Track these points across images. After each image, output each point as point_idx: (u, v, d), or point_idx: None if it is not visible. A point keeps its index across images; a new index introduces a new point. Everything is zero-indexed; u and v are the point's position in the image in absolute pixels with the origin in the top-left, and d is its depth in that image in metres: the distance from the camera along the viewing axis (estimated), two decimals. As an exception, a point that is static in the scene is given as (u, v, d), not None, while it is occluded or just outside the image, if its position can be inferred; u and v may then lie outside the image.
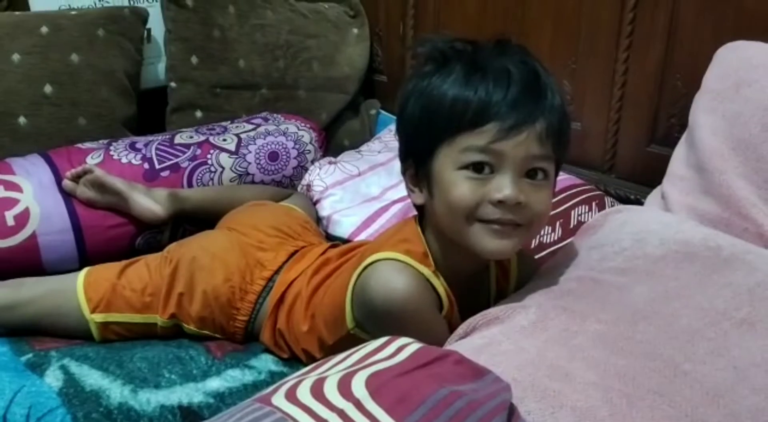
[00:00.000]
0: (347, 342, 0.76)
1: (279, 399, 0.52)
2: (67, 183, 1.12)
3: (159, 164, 1.19)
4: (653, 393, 0.58)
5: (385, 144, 1.51)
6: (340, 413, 0.50)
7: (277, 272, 0.96)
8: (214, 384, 0.84)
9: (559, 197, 1.22)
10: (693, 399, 0.57)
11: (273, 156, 1.30)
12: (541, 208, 0.74)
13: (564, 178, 1.28)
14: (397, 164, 1.39)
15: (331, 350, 0.80)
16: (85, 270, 0.97)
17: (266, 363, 0.89)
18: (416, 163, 0.79)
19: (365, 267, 0.77)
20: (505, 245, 0.74)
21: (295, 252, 0.99)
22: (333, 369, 0.56)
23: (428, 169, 0.77)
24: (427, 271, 0.76)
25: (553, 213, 1.17)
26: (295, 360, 0.90)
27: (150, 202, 1.12)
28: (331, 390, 0.52)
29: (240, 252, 0.98)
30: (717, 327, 0.67)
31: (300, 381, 0.54)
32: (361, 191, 1.32)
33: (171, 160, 1.21)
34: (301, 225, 1.10)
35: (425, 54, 0.79)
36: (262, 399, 0.54)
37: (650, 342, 0.65)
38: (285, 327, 0.90)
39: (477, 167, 0.72)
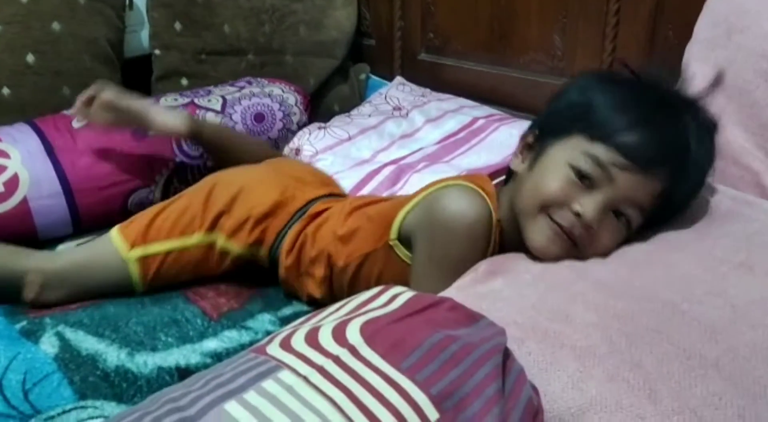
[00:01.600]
0: (379, 254, 0.84)
1: (274, 349, 0.52)
2: (80, 108, 1.08)
3: None
4: (651, 331, 0.58)
5: (376, 107, 1.49)
6: (335, 359, 0.49)
7: (310, 203, 0.96)
8: (211, 344, 0.84)
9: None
10: (691, 336, 0.57)
11: (259, 117, 1.29)
12: (604, 246, 0.74)
13: (556, 135, 1.27)
14: (387, 126, 1.41)
15: (352, 263, 0.86)
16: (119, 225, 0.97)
17: (263, 323, 0.89)
18: (541, 135, 0.81)
19: (443, 187, 0.80)
20: (550, 248, 0.75)
21: (326, 195, 1.00)
22: (327, 319, 0.56)
23: (546, 146, 0.78)
24: (493, 218, 0.78)
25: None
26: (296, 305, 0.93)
27: (170, 115, 1.10)
28: (325, 338, 0.52)
29: (278, 178, 0.99)
30: (715, 271, 0.67)
31: (294, 331, 0.54)
32: (352, 155, 1.31)
33: None
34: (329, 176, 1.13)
35: (632, 68, 0.82)
36: (257, 350, 0.54)
37: (649, 287, 0.66)
38: (313, 231, 0.91)
39: (582, 175, 0.74)
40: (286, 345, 0.52)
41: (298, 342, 0.52)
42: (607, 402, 0.52)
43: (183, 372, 0.78)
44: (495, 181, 0.88)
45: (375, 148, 1.34)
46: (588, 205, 0.73)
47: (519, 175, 0.82)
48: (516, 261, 0.75)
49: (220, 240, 0.93)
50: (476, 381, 0.50)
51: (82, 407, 0.72)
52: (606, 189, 0.73)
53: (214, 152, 1.15)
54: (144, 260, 0.92)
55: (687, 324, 0.59)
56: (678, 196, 0.76)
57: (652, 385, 0.53)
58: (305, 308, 0.93)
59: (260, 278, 0.99)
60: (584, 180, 0.73)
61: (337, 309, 0.58)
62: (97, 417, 0.70)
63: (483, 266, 0.75)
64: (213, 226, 0.93)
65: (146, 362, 0.79)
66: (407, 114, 1.44)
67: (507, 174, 0.88)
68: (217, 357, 0.81)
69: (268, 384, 0.48)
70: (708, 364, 0.54)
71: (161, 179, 1.18)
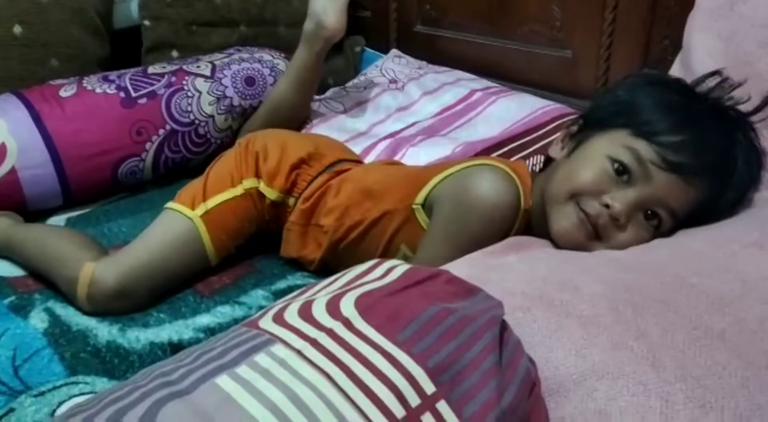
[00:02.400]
0: (398, 214, 0.84)
1: (266, 322, 0.51)
2: None
3: (135, 92, 1.16)
4: (659, 302, 0.57)
5: (371, 80, 1.47)
6: (329, 332, 0.48)
7: (339, 162, 0.99)
8: (204, 320, 0.82)
9: (549, 127, 1.19)
10: (698, 308, 0.56)
11: (249, 81, 1.26)
12: (624, 243, 0.73)
13: (554, 108, 1.25)
14: (383, 99, 1.39)
15: (369, 218, 0.87)
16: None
17: (256, 299, 0.88)
18: (584, 126, 0.80)
19: (479, 165, 0.81)
20: (571, 233, 0.74)
21: (351, 160, 1.03)
22: (321, 292, 0.55)
23: (588, 136, 0.78)
24: (521, 207, 0.77)
25: (542, 143, 1.15)
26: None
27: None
28: (319, 311, 0.51)
29: (309, 137, 1.05)
30: (726, 249, 0.66)
31: (287, 305, 0.53)
32: (347, 127, 1.29)
33: (147, 88, 1.18)
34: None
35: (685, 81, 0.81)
36: (249, 324, 0.52)
37: (660, 263, 0.65)
38: (337, 183, 0.93)
39: (620, 169, 0.73)
40: (279, 318, 0.51)
41: (292, 315, 0.51)
42: (609, 369, 0.52)
43: (176, 348, 0.77)
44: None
45: (371, 121, 1.32)
46: (619, 198, 0.72)
47: (555, 162, 0.82)
48: (534, 243, 0.75)
49: (261, 185, 0.95)
50: (473, 354, 0.49)
51: (73, 383, 0.71)
52: (641, 186, 0.72)
53: (308, 70, 1.20)
54: (207, 216, 0.91)
55: (695, 297, 0.58)
56: (711, 211, 0.74)
57: (656, 353, 0.52)
58: (299, 282, 0.92)
59: (254, 254, 0.98)
60: (621, 175, 0.73)
61: (331, 283, 0.57)
62: (88, 393, 0.69)
63: (500, 244, 0.74)
64: (254, 173, 0.95)
65: (138, 337, 0.78)
66: (403, 87, 1.41)
67: (544, 162, 0.88)
68: (210, 332, 0.80)
69: (261, 358, 0.46)
70: (714, 335, 0.53)
71: (151, 147, 1.15)
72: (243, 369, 0.45)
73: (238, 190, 0.94)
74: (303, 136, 1.07)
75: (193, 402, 0.43)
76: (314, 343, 0.47)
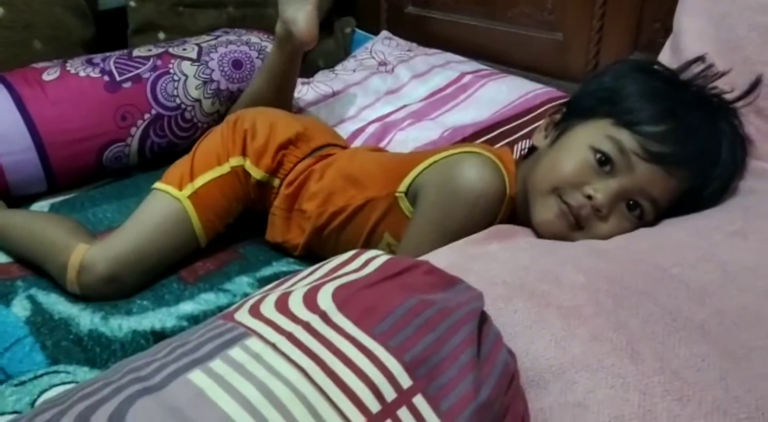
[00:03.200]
0: (382, 202, 0.84)
1: (242, 315, 0.50)
2: None
3: (120, 76, 1.14)
4: (639, 292, 0.57)
5: (361, 62, 1.45)
6: (305, 325, 0.48)
7: (326, 146, 0.98)
8: (188, 307, 0.82)
9: (540, 111, 1.18)
10: (678, 298, 0.56)
11: (237, 64, 1.24)
12: (606, 233, 0.72)
13: (545, 91, 1.24)
14: (372, 82, 1.37)
15: (353, 204, 0.86)
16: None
17: (241, 286, 0.87)
18: (568, 114, 0.79)
19: (464, 152, 0.80)
20: (553, 223, 0.73)
21: (338, 144, 1.02)
22: (299, 284, 0.54)
23: (571, 125, 0.77)
24: (507, 196, 0.77)
25: (532, 127, 1.14)
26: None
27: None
28: (296, 304, 0.50)
29: (297, 118, 1.04)
30: (708, 239, 0.66)
31: (264, 297, 0.52)
32: (336, 111, 1.27)
33: (132, 71, 1.15)
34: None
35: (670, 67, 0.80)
36: (225, 316, 0.52)
37: (641, 252, 0.65)
38: (321, 168, 0.92)
39: (602, 160, 0.72)
40: (255, 311, 0.50)
41: (268, 308, 0.50)
42: (589, 361, 0.51)
43: (158, 336, 0.77)
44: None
45: (360, 105, 1.31)
46: (601, 189, 0.71)
47: (539, 150, 0.81)
48: (517, 232, 0.74)
49: (246, 164, 0.94)
50: (451, 347, 0.49)
51: (54, 372, 0.71)
52: (623, 177, 0.71)
53: (282, 71, 1.15)
54: (195, 196, 0.90)
55: (675, 287, 0.57)
56: (696, 200, 0.74)
57: (635, 345, 0.52)
58: (285, 269, 0.91)
59: (241, 239, 0.97)
60: (603, 165, 0.72)
61: (310, 274, 0.56)
62: (69, 383, 0.69)
63: (482, 232, 0.74)
64: (241, 151, 0.94)
65: (120, 326, 0.78)
66: (393, 69, 1.40)
67: (528, 149, 0.87)
68: (194, 319, 0.80)
69: (235, 352, 0.46)
70: (693, 326, 0.53)
71: (137, 132, 1.14)
72: (217, 364, 0.45)
73: (224, 168, 0.93)
74: (293, 117, 1.06)
75: (165, 399, 0.42)
76: (290, 337, 0.47)
